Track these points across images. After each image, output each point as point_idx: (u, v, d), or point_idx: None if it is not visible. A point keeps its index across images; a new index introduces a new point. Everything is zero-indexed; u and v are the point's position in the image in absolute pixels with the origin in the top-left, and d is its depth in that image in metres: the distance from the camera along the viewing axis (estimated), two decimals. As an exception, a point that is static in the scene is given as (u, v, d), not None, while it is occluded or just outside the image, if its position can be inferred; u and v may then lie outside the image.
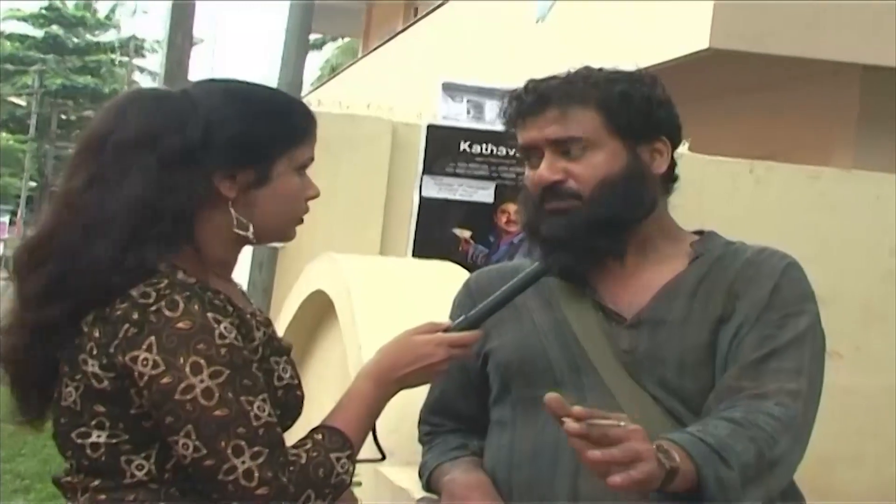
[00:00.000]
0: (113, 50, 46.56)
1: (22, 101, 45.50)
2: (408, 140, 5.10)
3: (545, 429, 1.95)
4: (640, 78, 2.06)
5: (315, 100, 12.84)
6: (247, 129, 1.80)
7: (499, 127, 2.16)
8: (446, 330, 1.93)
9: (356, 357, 2.95)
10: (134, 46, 46.11)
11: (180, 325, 1.68)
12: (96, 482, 1.75)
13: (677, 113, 2.10)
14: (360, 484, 2.00)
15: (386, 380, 1.87)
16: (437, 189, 5.07)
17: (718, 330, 1.96)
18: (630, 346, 1.98)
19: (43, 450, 6.97)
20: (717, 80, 9.76)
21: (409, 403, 2.18)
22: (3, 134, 43.09)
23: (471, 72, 9.22)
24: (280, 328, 1.93)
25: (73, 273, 1.73)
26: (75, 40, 45.53)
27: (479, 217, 5.09)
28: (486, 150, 5.17)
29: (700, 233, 2.12)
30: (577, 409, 1.63)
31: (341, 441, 1.78)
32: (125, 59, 46.13)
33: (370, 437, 1.90)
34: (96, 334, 1.71)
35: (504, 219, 5.19)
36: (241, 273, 1.97)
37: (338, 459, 1.76)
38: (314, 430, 1.80)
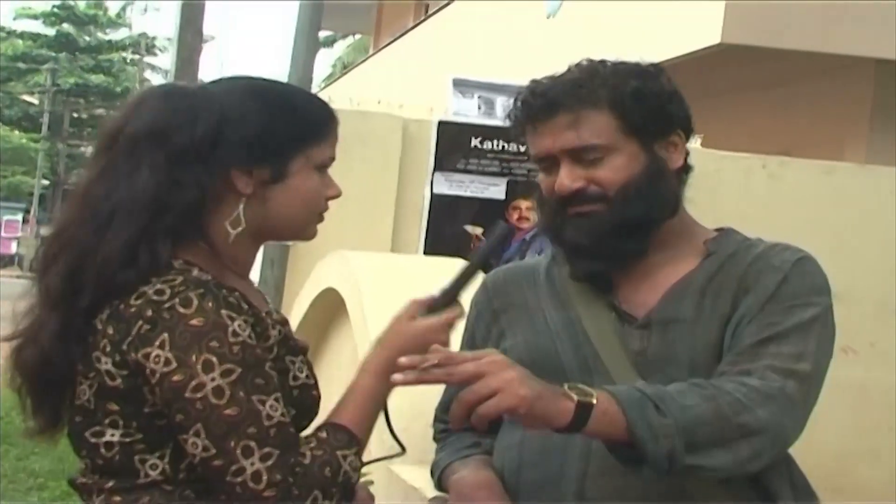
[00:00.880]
0: (124, 48, 46.69)
1: (34, 100, 45.64)
2: (419, 136, 5.09)
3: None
4: (648, 71, 2.02)
5: (325, 97, 12.82)
6: (264, 125, 1.78)
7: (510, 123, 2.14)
8: (431, 308, 1.87)
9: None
10: (145, 44, 46.22)
11: (193, 322, 1.66)
12: (111, 483, 1.74)
13: (686, 103, 2.06)
14: (372, 482, 1.98)
15: (388, 371, 1.81)
16: (449, 186, 5.06)
17: (727, 329, 1.93)
18: (640, 347, 1.95)
19: (56, 448, 6.97)
20: (729, 75, 9.74)
21: (420, 402, 2.17)
22: (16, 132, 43.20)
23: (482, 68, 9.21)
24: (291, 326, 1.92)
25: (86, 267, 1.71)
26: (87, 39, 45.67)
27: (490, 213, 5.08)
28: (497, 146, 5.16)
29: (720, 230, 2.09)
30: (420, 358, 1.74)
31: (347, 438, 1.75)
32: (137, 57, 46.25)
33: (387, 432, 1.88)
34: (110, 331, 1.70)
35: (516, 215, 5.18)
36: (253, 270, 1.96)
37: (344, 457, 1.73)
38: (318, 429, 1.78)
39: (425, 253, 4.87)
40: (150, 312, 1.67)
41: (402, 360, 1.74)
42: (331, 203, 1.91)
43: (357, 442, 1.77)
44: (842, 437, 2.09)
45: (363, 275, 3.29)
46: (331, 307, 3.65)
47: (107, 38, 46.86)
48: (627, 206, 1.95)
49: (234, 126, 1.77)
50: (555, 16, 12.03)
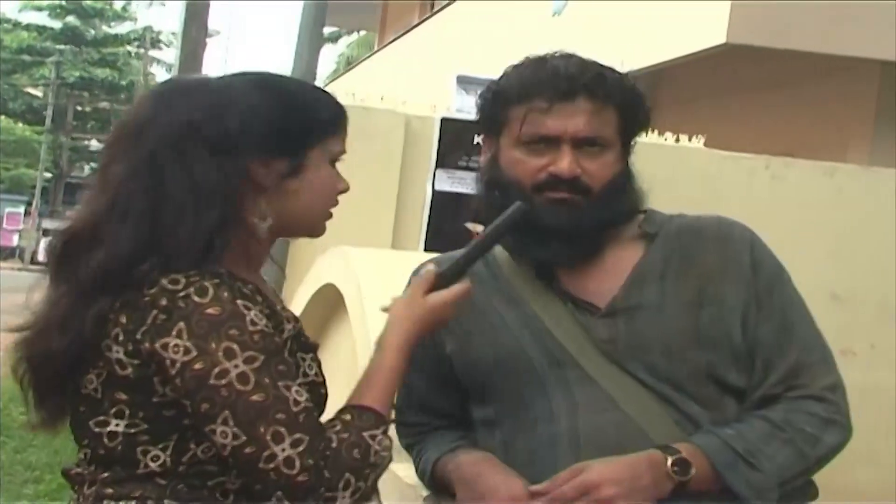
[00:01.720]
0: (129, 42, 46.70)
1: (38, 92, 45.67)
2: (421, 133, 5.07)
3: (537, 427, 1.95)
4: (633, 79, 2.07)
5: (330, 92, 12.78)
6: (282, 118, 1.79)
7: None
8: (439, 283, 1.87)
9: (366, 351, 2.93)
10: (150, 39, 46.22)
11: (210, 310, 1.65)
12: (105, 474, 1.73)
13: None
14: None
15: (410, 347, 1.83)
16: (450, 183, 5.04)
17: (699, 313, 1.97)
18: (609, 336, 1.96)
19: (53, 441, 6.98)
20: (733, 75, 9.72)
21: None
22: (20, 124, 43.21)
23: (486, 66, 9.20)
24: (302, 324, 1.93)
25: (121, 262, 1.70)
26: (92, 32, 45.68)
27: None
28: (500, 143, 5.14)
29: (642, 211, 2.10)
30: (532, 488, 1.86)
31: (374, 418, 1.74)
32: (141, 51, 46.25)
33: None
34: (123, 320, 1.69)
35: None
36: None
37: (373, 437, 1.72)
38: (341, 411, 1.76)
39: (426, 250, 4.86)
40: (164, 302, 1.67)
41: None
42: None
43: (384, 421, 1.76)
44: (841, 439, 2.10)
45: (362, 271, 3.28)
46: (330, 303, 3.65)
47: (112, 31, 46.88)
48: (609, 202, 1.98)
49: (253, 119, 1.77)
50: (560, 14, 12.02)
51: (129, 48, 46.75)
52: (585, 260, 2.02)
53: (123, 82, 43.80)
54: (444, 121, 5.11)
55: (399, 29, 20.50)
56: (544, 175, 1.97)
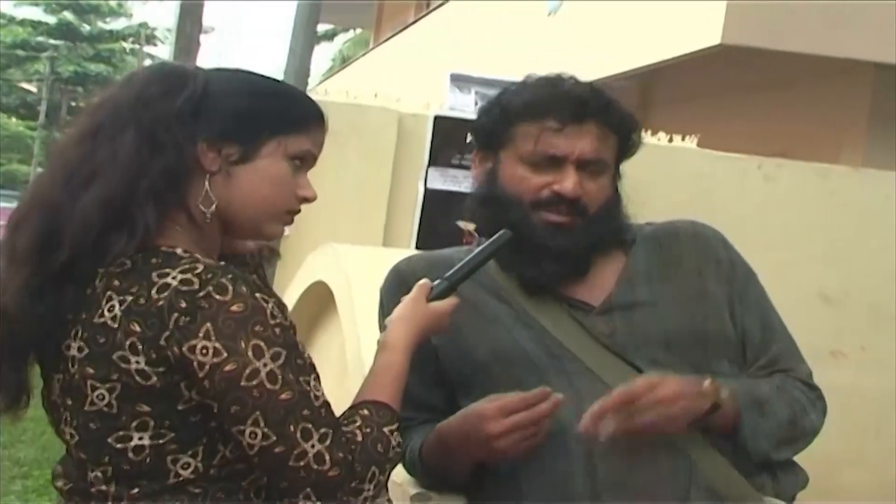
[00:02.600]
0: (124, 38, 46.61)
1: (33, 87, 45.56)
2: (414, 130, 5.06)
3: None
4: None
5: (322, 90, 12.80)
6: (240, 104, 1.76)
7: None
8: (430, 297, 1.92)
9: (355, 349, 2.93)
10: (145, 34, 46.15)
11: (234, 308, 1.62)
12: (134, 490, 1.69)
13: None
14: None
15: (414, 347, 1.87)
16: (443, 181, 5.03)
17: (693, 309, 2.05)
18: (609, 330, 2.01)
19: (42, 436, 6.97)
20: (728, 76, 9.73)
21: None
22: (13, 119, 43.14)
23: (482, 64, 9.20)
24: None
25: (64, 225, 1.67)
26: (87, 27, 45.59)
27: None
28: (493, 142, 5.13)
29: None
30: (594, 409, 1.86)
31: (390, 414, 1.76)
32: (136, 47, 46.18)
33: None
34: (136, 328, 1.64)
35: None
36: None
37: (391, 432, 1.74)
38: (357, 407, 1.77)
39: (417, 248, 4.84)
40: (184, 304, 1.63)
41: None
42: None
43: (399, 417, 1.78)
44: (828, 440, 2.10)
45: (353, 268, 3.27)
46: (320, 301, 3.64)
47: (107, 27, 46.79)
48: (602, 225, 2.06)
49: (213, 100, 1.75)
50: (555, 14, 12.01)
51: (124, 44, 46.62)
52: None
53: (118, 78, 43.73)
54: (437, 118, 5.10)
55: (395, 27, 20.49)
56: (547, 193, 2.03)
